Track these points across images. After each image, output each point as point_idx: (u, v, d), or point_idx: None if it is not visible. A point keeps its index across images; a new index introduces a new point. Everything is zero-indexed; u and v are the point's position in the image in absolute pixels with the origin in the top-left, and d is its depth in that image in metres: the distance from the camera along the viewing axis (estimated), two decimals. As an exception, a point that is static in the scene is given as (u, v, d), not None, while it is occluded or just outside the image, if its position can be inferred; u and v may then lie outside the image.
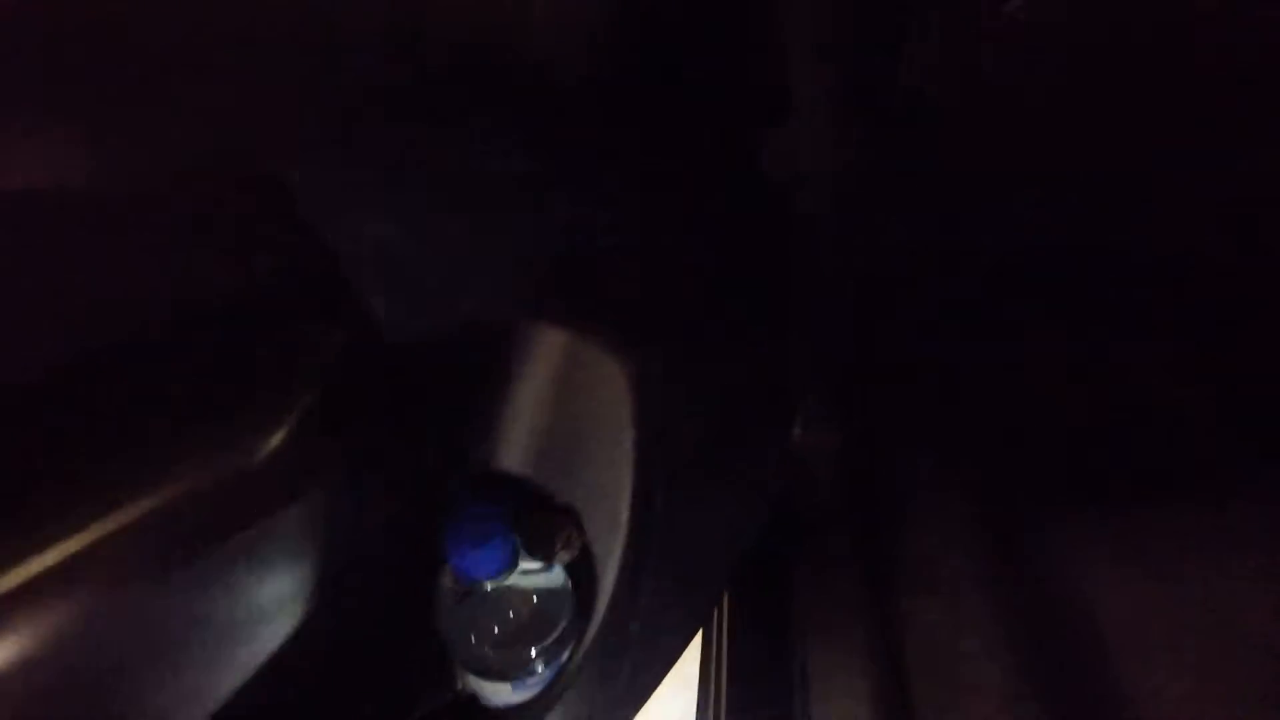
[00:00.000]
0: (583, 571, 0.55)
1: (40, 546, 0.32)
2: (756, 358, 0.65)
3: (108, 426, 0.35)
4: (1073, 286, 0.73)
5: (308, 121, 0.37)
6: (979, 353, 0.77)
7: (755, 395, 0.66)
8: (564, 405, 0.53)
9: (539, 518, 0.53)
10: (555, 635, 0.55)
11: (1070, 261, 0.71)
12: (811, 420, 0.76)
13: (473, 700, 0.58)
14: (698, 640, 0.75)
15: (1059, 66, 0.50)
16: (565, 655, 0.56)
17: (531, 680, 0.55)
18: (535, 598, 0.55)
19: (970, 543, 0.70)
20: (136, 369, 0.35)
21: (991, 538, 0.70)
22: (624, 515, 0.54)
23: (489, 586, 0.54)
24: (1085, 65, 0.49)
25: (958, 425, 0.76)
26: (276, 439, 0.35)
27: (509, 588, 0.54)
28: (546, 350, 0.52)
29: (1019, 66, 0.50)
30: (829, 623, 0.72)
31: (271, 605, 0.41)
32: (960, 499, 0.73)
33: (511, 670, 0.55)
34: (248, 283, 0.37)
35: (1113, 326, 0.72)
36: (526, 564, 0.53)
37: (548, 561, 0.54)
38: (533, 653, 0.54)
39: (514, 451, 0.53)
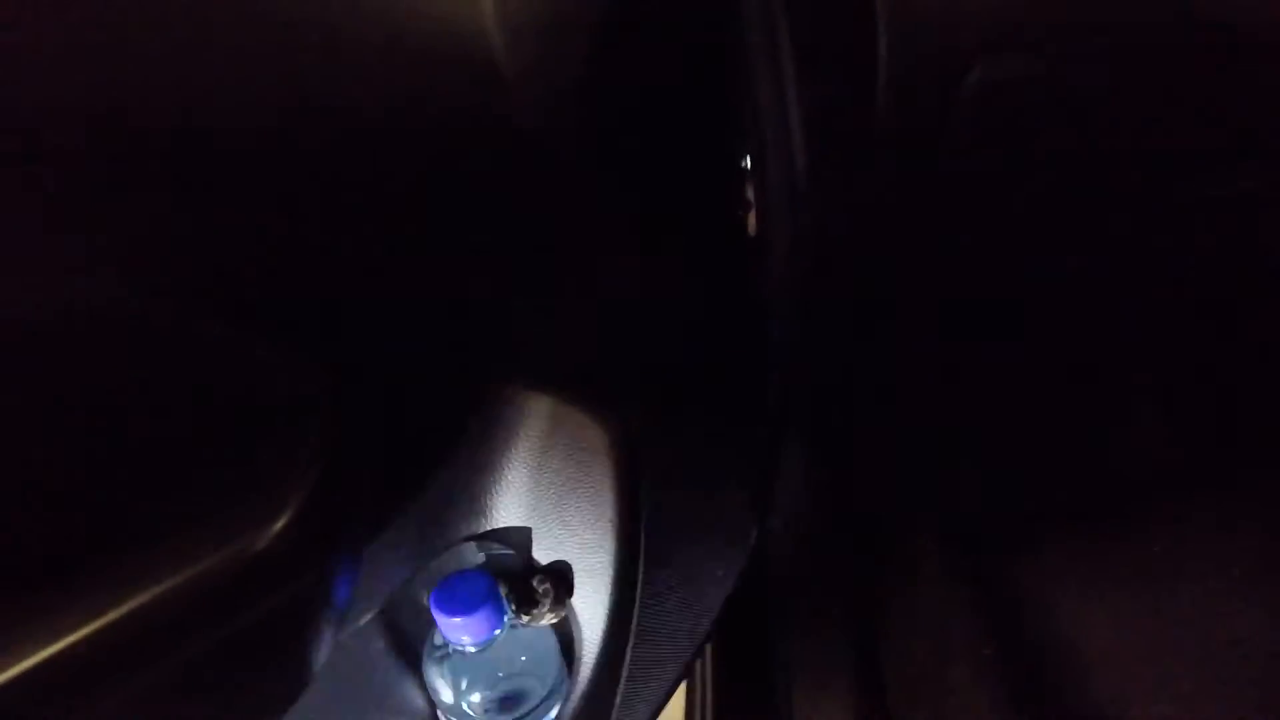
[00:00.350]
0: (569, 631, 0.57)
1: (45, 637, 0.33)
2: (735, 411, 0.66)
3: (107, 515, 0.36)
4: (1037, 330, 0.76)
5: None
6: (951, 393, 0.79)
7: (735, 446, 0.68)
8: (550, 467, 0.55)
9: (526, 578, 0.55)
10: (542, 695, 0.56)
11: (1033, 305, 0.73)
12: (789, 461, 0.78)
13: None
14: (682, 689, 0.77)
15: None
16: (553, 714, 0.57)
17: (519, 739, 0.56)
18: (522, 658, 0.56)
19: (951, 576, 0.72)
20: (137, 458, 0.37)
21: (972, 570, 0.72)
22: (610, 575, 0.55)
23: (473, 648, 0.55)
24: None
25: (932, 461, 0.78)
26: (278, 525, 0.36)
27: (496, 647, 0.55)
28: (533, 413, 0.54)
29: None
30: (813, 662, 0.73)
31: (271, 687, 0.42)
32: (938, 534, 0.75)
33: (499, 729, 0.56)
34: (247, 383, 0.39)
35: (1071, 369, 0.75)
36: (514, 623, 0.55)
37: (534, 623, 0.55)
38: (520, 712, 0.55)
39: (501, 513, 0.55)
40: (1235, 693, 0.58)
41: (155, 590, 0.35)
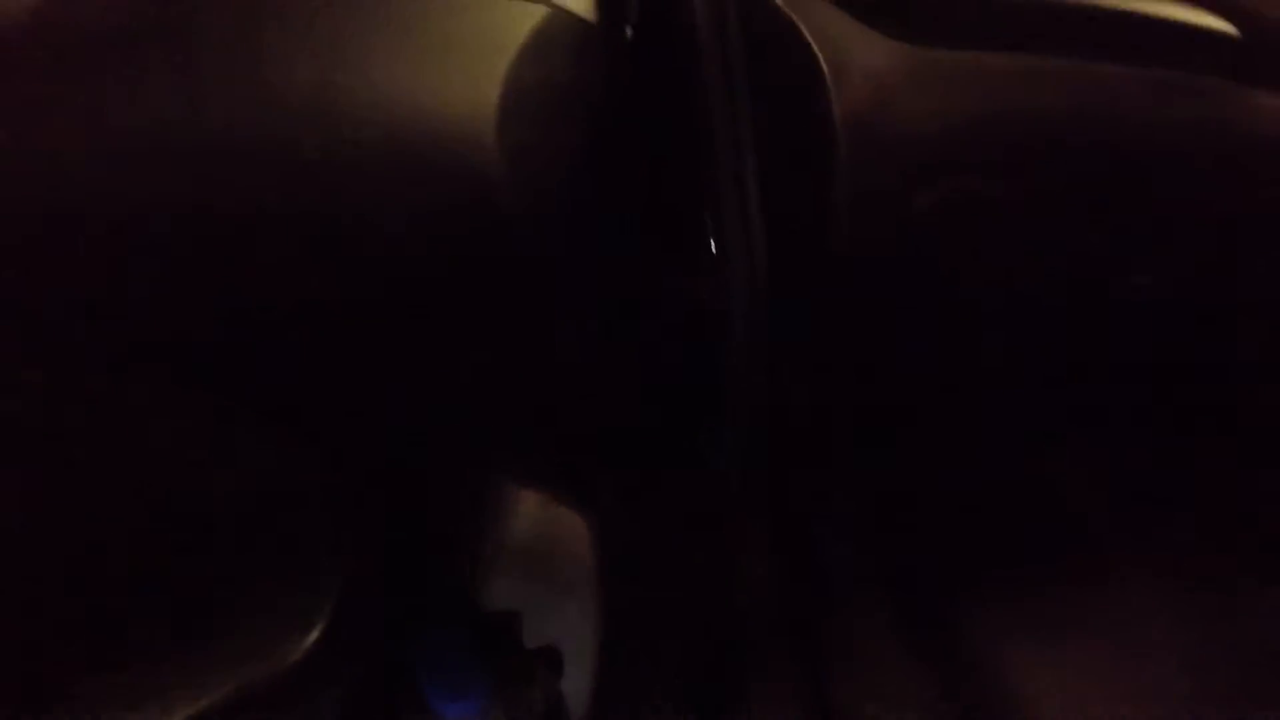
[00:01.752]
0: (557, 712, 0.58)
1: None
2: (706, 486, 0.69)
3: (141, 627, 0.37)
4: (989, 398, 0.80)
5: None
6: (906, 452, 0.83)
7: (706, 522, 0.71)
8: (538, 557, 0.57)
9: (516, 657, 0.56)
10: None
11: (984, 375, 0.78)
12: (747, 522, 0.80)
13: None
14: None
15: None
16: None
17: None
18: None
19: (903, 628, 0.75)
20: (166, 569, 0.38)
21: (924, 623, 0.75)
22: (593, 656, 0.57)
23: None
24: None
25: (885, 516, 0.81)
26: (307, 642, 0.38)
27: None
28: (520, 506, 0.56)
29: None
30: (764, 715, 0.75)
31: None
32: (890, 586, 0.78)
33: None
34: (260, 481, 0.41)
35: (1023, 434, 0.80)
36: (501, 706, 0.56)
37: (523, 704, 0.57)
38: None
39: (493, 599, 0.56)
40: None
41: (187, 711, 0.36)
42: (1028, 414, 0.76)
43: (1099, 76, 0.56)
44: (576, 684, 0.57)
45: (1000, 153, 0.54)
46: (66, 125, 0.38)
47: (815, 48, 0.53)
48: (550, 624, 0.57)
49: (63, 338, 0.40)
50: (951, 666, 0.73)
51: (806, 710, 0.75)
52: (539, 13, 0.49)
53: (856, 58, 0.53)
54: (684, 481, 0.66)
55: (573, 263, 0.53)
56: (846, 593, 0.76)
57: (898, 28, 0.55)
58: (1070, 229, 0.57)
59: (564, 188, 0.53)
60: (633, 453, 0.60)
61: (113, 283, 0.39)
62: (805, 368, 0.68)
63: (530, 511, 0.56)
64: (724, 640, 0.74)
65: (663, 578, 0.63)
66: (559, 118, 0.53)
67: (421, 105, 0.45)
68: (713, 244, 0.58)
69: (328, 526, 0.42)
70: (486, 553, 0.55)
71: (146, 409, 0.41)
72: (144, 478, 0.41)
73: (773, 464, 0.81)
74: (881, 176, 0.52)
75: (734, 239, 0.57)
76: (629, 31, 0.60)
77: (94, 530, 0.39)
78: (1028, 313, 0.61)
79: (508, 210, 0.48)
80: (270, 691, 0.37)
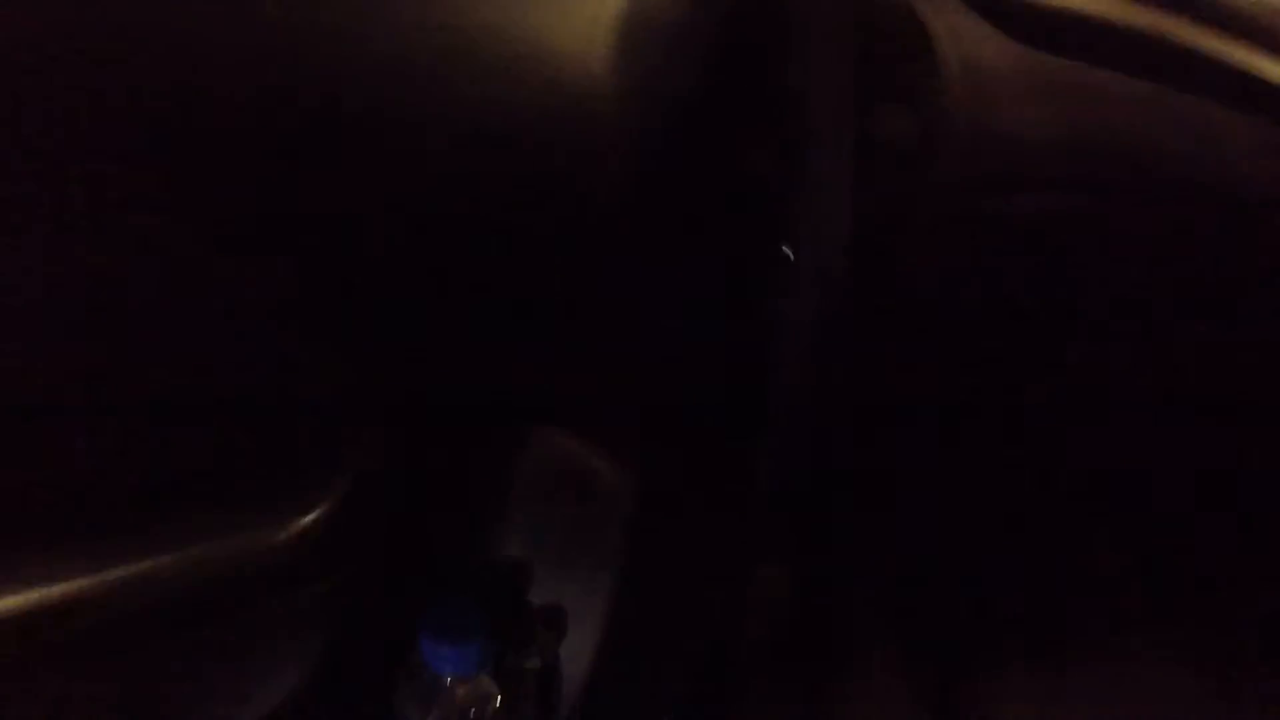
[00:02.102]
0: (551, 675, 0.56)
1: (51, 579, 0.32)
2: (735, 482, 0.67)
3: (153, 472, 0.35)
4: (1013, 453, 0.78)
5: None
6: (923, 513, 0.81)
7: (728, 517, 0.68)
8: (556, 508, 0.55)
9: (522, 616, 0.54)
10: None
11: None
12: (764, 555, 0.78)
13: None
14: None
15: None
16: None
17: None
18: (498, 700, 0.55)
19: (915, 691, 0.73)
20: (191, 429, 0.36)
21: (935, 685, 0.73)
22: (598, 623, 0.55)
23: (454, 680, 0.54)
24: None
25: (900, 576, 0.79)
26: (310, 518, 0.36)
27: (475, 683, 0.54)
28: (543, 454, 0.54)
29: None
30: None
31: (269, 675, 0.41)
32: (903, 649, 0.76)
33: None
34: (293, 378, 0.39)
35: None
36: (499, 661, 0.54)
37: (521, 663, 0.54)
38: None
39: (503, 547, 0.54)
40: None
41: (169, 559, 0.34)
42: (1049, 472, 0.74)
43: (1213, 119, 0.55)
44: (577, 647, 0.55)
45: (1105, 174, 0.52)
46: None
47: (930, 30, 0.51)
48: (562, 581, 0.55)
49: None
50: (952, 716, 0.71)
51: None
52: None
53: (970, 50, 0.52)
54: (721, 476, 0.64)
55: (664, 217, 0.51)
56: (857, 647, 0.75)
57: (1019, 29, 0.54)
58: (1156, 264, 0.55)
59: (665, 140, 0.51)
60: (679, 432, 0.58)
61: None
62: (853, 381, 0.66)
63: (558, 457, 0.54)
64: (728, 640, 0.71)
65: (680, 561, 0.61)
66: (672, 63, 0.51)
67: (536, 29, 0.43)
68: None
69: (346, 426, 0.40)
70: (506, 490, 0.53)
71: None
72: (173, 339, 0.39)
73: (808, 486, 0.80)
74: (979, 177, 0.51)
75: (814, 233, 0.55)
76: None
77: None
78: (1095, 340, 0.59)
79: (609, 153, 0.47)
80: (256, 563, 0.35)
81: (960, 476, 0.75)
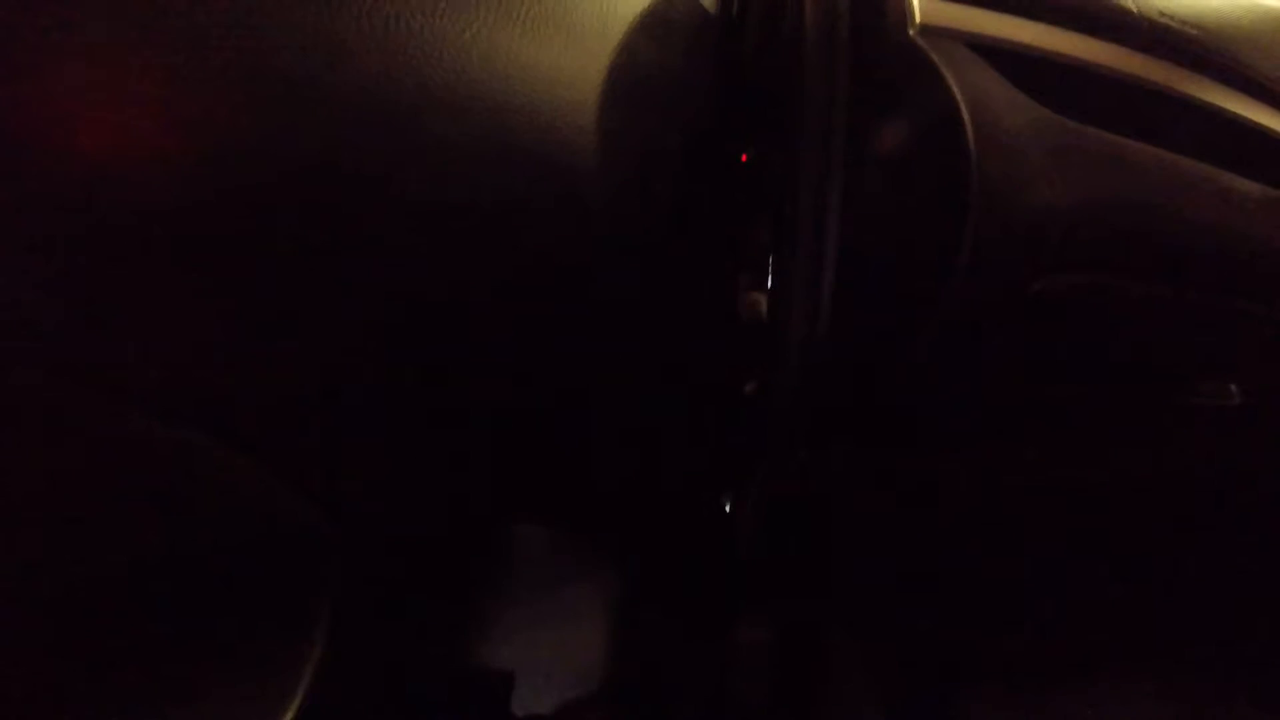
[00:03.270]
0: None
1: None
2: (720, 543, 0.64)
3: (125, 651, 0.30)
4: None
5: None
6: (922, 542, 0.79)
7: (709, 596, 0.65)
8: (546, 612, 0.51)
9: None
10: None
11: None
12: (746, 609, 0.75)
13: None
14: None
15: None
16: None
17: None
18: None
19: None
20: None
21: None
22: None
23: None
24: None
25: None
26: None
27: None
28: (531, 551, 0.50)
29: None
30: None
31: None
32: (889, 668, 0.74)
33: None
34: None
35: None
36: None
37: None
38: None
39: (487, 658, 0.50)
40: None
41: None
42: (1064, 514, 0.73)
43: (1237, 192, 0.52)
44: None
45: (1136, 252, 0.49)
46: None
47: (958, 95, 0.47)
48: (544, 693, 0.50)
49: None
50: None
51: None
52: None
53: (998, 116, 0.48)
54: (700, 535, 0.60)
55: (649, 289, 0.47)
56: (838, 685, 0.73)
57: (1046, 94, 0.50)
58: (1181, 336, 0.53)
59: (652, 192, 0.47)
60: (657, 498, 0.54)
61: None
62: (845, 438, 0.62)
63: (536, 547, 0.49)
64: (713, 702, 0.69)
65: (666, 630, 0.58)
66: (662, 110, 0.47)
67: (522, 77, 0.39)
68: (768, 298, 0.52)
69: (317, 580, 0.35)
70: (488, 593, 0.48)
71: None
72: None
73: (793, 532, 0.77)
74: (1005, 252, 0.47)
75: (797, 291, 0.51)
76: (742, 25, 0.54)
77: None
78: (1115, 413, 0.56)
79: (592, 206, 0.42)
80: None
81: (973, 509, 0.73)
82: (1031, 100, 0.50)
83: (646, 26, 0.45)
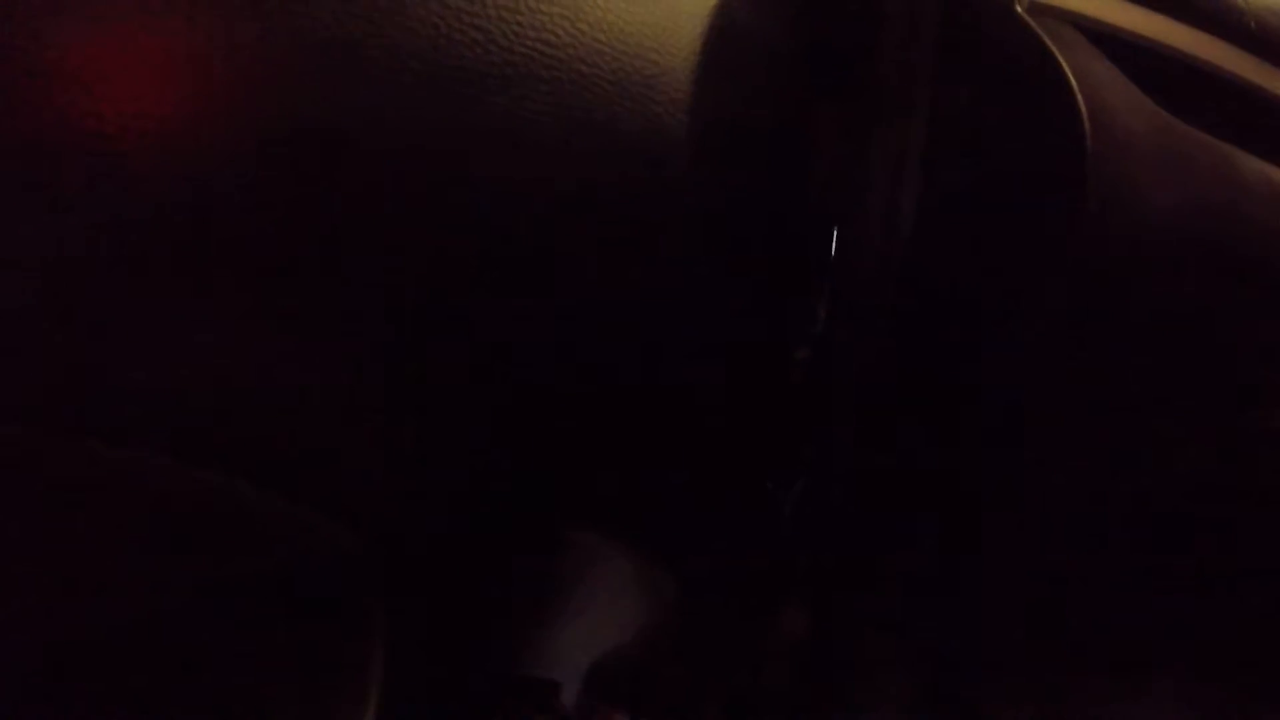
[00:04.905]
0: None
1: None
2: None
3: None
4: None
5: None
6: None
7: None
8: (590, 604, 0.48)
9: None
10: None
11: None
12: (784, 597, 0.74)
13: None
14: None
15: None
16: None
17: None
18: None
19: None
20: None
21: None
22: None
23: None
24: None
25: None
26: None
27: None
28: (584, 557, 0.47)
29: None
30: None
31: None
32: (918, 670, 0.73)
33: None
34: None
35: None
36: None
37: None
38: None
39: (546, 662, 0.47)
40: None
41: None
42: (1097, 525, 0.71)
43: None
44: None
45: (1241, 267, 0.46)
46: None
47: (1073, 83, 0.43)
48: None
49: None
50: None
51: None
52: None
53: (1115, 111, 0.44)
54: (746, 527, 0.57)
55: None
56: (874, 676, 0.71)
57: (1151, 88, 0.46)
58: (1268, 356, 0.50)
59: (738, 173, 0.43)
60: (704, 489, 0.51)
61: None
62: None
63: (579, 555, 0.46)
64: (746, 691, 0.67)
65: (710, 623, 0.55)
66: (753, 82, 0.43)
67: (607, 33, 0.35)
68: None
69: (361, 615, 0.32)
70: (534, 606, 0.45)
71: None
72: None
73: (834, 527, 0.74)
74: (1113, 259, 0.44)
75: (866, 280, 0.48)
76: None
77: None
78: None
79: (677, 187, 0.39)
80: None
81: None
82: (1145, 95, 0.46)
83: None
